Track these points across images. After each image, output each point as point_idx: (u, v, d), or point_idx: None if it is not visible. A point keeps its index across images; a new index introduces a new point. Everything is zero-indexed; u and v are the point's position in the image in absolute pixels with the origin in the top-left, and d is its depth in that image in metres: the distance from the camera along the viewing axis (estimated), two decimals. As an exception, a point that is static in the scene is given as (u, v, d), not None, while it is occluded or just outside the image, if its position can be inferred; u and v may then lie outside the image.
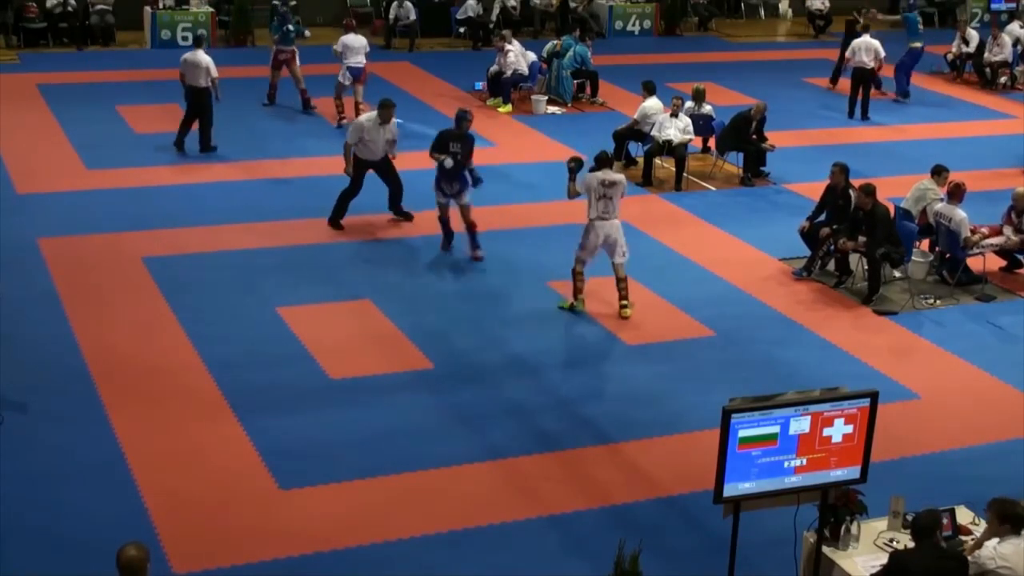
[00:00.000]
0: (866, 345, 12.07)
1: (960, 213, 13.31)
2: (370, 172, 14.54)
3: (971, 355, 11.96)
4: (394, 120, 14.42)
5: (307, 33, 20.76)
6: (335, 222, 14.46)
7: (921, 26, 22.53)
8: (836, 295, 13.31)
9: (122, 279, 12.86)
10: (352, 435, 9.98)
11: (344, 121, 18.66)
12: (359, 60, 18.83)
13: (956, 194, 13.49)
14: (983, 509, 7.41)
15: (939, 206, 13.62)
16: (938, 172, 14.09)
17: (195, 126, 17.17)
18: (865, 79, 20.83)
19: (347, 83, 18.83)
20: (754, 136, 17.17)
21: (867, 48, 20.82)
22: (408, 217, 14.77)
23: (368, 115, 14.49)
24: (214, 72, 16.98)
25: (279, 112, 19.47)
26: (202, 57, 16.94)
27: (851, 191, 13.53)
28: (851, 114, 20.97)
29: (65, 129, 18.10)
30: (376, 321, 12.16)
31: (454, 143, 13.65)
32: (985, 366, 11.73)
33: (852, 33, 22.06)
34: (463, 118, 13.92)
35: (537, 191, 16.35)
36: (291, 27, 19.43)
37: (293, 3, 26.04)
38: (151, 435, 9.79)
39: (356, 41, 18.91)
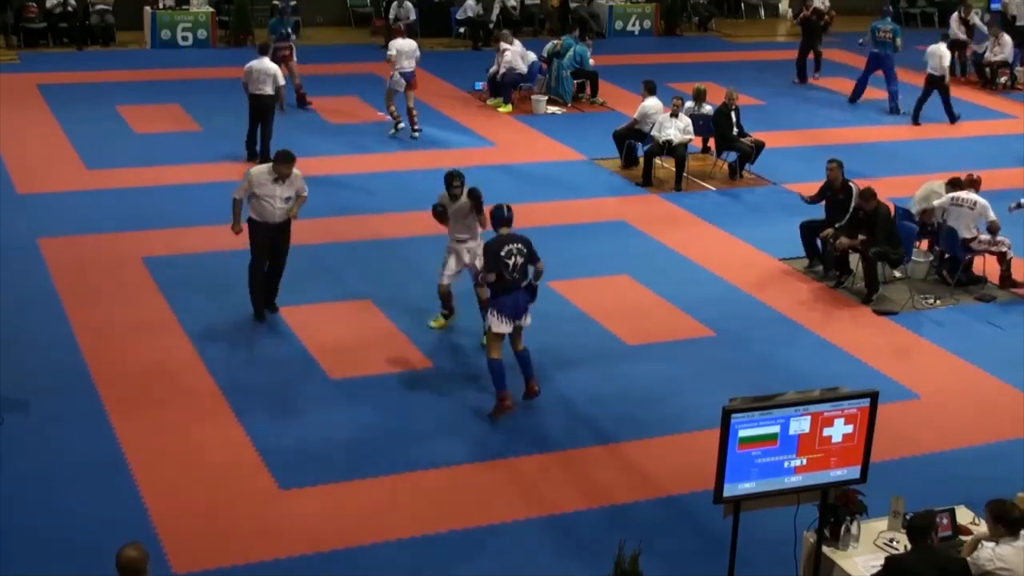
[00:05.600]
0: (866, 345, 12.07)
1: (982, 199, 13.36)
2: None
3: (971, 355, 11.96)
4: (296, 174, 11.88)
5: (294, 36, 20.40)
6: (260, 313, 12.08)
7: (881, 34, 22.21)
8: (836, 295, 13.31)
9: (122, 279, 12.86)
10: (352, 435, 9.98)
11: (400, 127, 18.53)
12: (411, 64, 18.44)
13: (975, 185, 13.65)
14: (983, 509, 7.40)
15: (958, 193, 13.58)
16: (954, 184, 13.96)
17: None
18: (940, 86, 20.71)
19: (400, 89, 18.31)
20: (736, 131, 17.23)
21: (938, 55, 20.66)
22: (274, 309, 12.18)
23: (262, 166, 12.14)
24: (281, 80, 16.85)
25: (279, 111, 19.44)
26: (269, 65, 16.79)
27: (850, 184, 13.57)
28: (915, 119, 20.87)
29: (65, 129, 18.11)
30: (376, 321, 12.16)
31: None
32: (985, 366, 11.73)
33: (809, 30, 23.05)
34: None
35: (537, 191, 16.35)
36: (289, 21, 19.42)
37: (293, 3, 26.11)
38: (151, 435, 9.79)
39: (407, 45, 18.49)
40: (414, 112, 18.59)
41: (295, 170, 11.89)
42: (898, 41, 21.44)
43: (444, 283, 11.76)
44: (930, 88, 20.74)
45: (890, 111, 21.53)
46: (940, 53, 20.61)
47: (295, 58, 19.66)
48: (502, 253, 10.20)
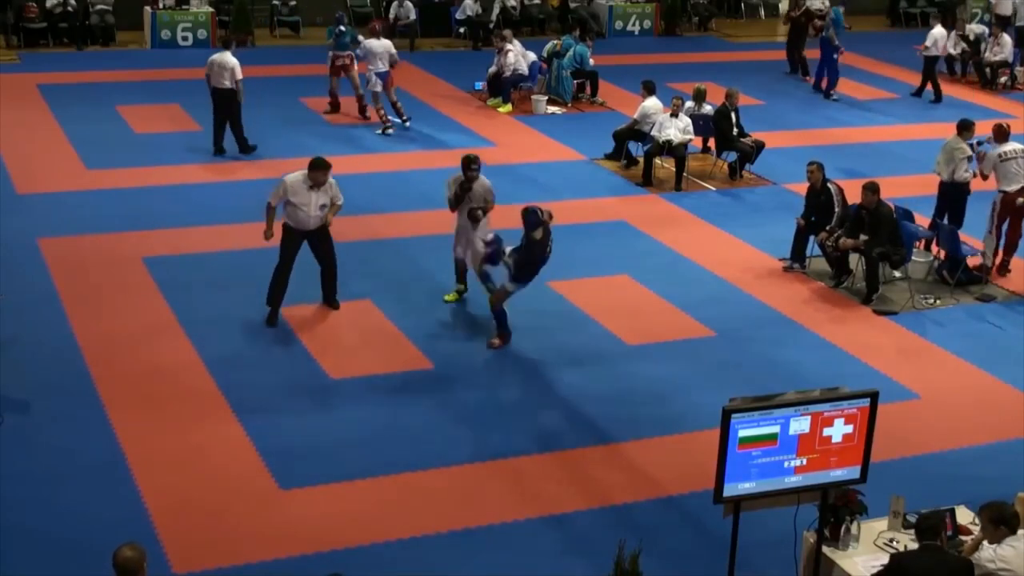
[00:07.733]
0: (866, 345, 12.07)
1: None
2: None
3: (971, 355, 11.96)
4: (331, 182, 11.89)
5: (361, 39, 20.20)
6: (273, 318, 11.90)
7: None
8: (836, 295, 13.31)
9: (122, 279, 12.85)
10: (352, 435, 9.98)
11: (389, 131, 18.65)
12: (383, 65, 18.49)
13: (1002, 134, 13.89)
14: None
15: (1008, 147, 13.75)
16: (966, 127, 14.16)
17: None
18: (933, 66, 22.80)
19: (379, 89, 18.57)
20: (737, 131, 17.25)
21: (943, 37, 22.62)
22: (336, 306, 12.28)
23: (297, 173, 11.89)
24: (239, 74, 16.89)
25: (279, 111, 19.46)
26: (229, 59, 16.87)
27: (829, 185, 13.62)
28: (937, 98, 22.60)
29: (65, 129, 18.11)
30: (376, 321, 12.16)
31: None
32: (985, 366, 11.73)
33: (797, 28, 23.92)
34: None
35: (537, 191, 16.33)
36: (343, 28, 19.26)
37: (293, 3, 26.12)
38: (151, 435, 9.79)
39: (378, 46, 18.55)
40: (398, 104, 18.98)
41: (331, 178, 11.86)
42: (831, 32, 22.33)
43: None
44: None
45: (809, 84, 23.07)
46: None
47: (355, 66, 19.24)
48: (548, 252, 11.55)
